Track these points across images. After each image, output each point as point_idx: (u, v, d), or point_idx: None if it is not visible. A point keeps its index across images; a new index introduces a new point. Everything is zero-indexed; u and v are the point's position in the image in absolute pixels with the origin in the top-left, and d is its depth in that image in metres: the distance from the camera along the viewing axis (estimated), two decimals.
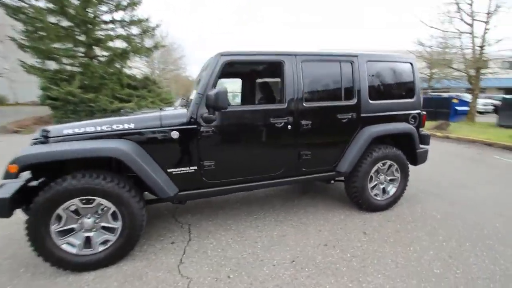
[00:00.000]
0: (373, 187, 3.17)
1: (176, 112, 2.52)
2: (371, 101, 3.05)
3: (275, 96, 3.50)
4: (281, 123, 2.67)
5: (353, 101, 2.97)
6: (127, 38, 13.45)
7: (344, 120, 2.92)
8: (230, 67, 2.71)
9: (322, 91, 2.94)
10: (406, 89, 3.31)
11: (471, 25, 10.73)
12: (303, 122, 2.76)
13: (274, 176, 2.78)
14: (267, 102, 3.50)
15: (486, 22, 10.50)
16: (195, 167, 2.48)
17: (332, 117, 2.90)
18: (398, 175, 3.27)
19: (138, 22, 13.76)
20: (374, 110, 3.07)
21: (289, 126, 2.71)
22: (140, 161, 2.19)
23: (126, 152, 2.14)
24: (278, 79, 3.28)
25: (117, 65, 14.38)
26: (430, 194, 3.80)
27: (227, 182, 2.62)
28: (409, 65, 3.31)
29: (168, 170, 2.41)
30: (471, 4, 10.56)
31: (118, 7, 13.75)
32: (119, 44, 14.27)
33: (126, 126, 2.29)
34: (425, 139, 3.42)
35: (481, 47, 10.73)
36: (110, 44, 13.89)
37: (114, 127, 2.27)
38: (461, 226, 2.91)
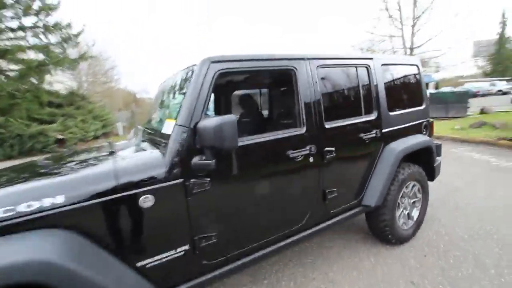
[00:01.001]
0: (399, 216, 2.56)
1: (141, 159, 1.48)
2: (390, 113, 2.43)
3: (283, 116, 2.57)
4: (301, 155, 1.83)
5: (374, 115, 2.30)
6: (44, 48, 10.96)
7: (367, 140, 2.23)
8: (222, 79, 1.77)
9: (341, 105, 2.20)
10: (415, 95, 2.81)
11: (401, 29, 11.56)
12: (327, 149, 1.96)
13: (297, 229, 1.92)
14: (275, 125, 2.55)
15: (413, 26, 11.46)
16: (186, 247, 1.47)
17: (356, 138, 2.18)
18: (420, 195, 2.73)
19: (54, 28, 11.35)
20: (393, 123, 2.46)
21: (310, 158, 1.89)
22: (84, 272, 1.10)
23: (50, 267, 1.03)
24: (281, 91, 2.45)
25: (33, 80, 11.69)
26: (432, 202, 3.40)
27: (236, 256, 1.66)
28: (415, 67, 2.82)
29: (139, 264, 1.36)
30: (399, 10, 11.40)
31: (26, 11, 11.15)
32: (35, 55, 11.61)
33: (48, 202, 1.17)
34: (438, 150, 2.98)
35: (411, 48, 11.66)
36: (23, 55, 11.17)
37: (22, 208, 1.13)
38: (499, 247, 2.48)
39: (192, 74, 1.56)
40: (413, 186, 2.64)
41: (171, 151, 1.41)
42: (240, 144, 1.60)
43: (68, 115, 12.39)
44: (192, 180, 1.45)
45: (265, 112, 3.42)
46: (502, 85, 24.59)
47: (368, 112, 2.29)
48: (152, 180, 1.36)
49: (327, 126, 1.97)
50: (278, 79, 2.60)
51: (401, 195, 2.50)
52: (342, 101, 2.21)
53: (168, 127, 1.54)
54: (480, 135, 7.21)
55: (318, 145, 1.91)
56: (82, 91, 15.05)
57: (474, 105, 13.11)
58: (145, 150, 1.67)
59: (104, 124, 13.66)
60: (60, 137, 11.48)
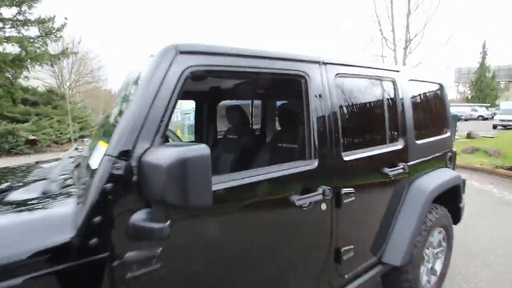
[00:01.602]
0: (422, 272, 1.97)
1: (31, 216, 0.83)
2: (416, 142, 1.88)
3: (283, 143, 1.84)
4: (310, 202, 1.22)
5: (400, 144, 1.74)
6: (20, 41, 10.04)
7: (392, 177, 1.65)
8: (196, 83, 1.17)
9: (363, 130, 1.62)
10: (440, 120, 2.29)
11: (394, 50, 11.42)
12: (345, 191, 1.37)
13: None
14: (272, 154, 1.88)
15: (405, 48, 11.34)
16: None
17: (380, 173, 1.60)
18: (444, 244, 2.16)
19: (36, 21, 10.49)
20: (420, 155, 1.91)
21: (323, 206, 1.28)
22: None
23: None
24: (284, 106, 1.87)
25: (8, 75, 10.70)
26: None
27: None
28: (439, 86, 2.31)
29: None
30: (393, 32, 11.28)
31: (6, 1, 10.26)
32: (11, 48, 10.65)
33: None
34: (463, 186, 2.45)
35: None
36: None
37: None
38: None
39: (146, 70, 0.94)
40: (439, 233, 2.08)
41: (90, 201, 0.77)
42: (219, 187, 0.96)
43: (43, 115, 11.37)
44: (127, 255, 0.80)
45: (259, 132, 2.81)
46: (483, 111, 25.28)
47: (394, 139, 1.72)
48: (45, 257, 0.71)
49: (346, 159, 1.38)
50: (281, 88, 2.02)
51: (426, 245, 1.92)
52: (364, 124, 1.63)
53: (96, 157, 0.89)
54: (474, 161, 6.89)
55: (333, 185, 1.31)
56: (63, 90, 14.03)
57: (460, 129, 13.10)
58: (51, 193, 0.98)
59: (82, 126, 12.66)
60: (32, 137, 10.42)
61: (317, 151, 1.27)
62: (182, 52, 0.93)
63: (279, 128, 1.99)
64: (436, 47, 11.26)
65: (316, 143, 1.26)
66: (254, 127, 3.04)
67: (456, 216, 2.28)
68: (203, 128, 2.71)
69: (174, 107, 0.92)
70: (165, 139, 1.10)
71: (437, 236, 2.06)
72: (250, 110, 3.18)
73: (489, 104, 27.78)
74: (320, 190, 1.23)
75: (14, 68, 10.41)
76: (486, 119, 23.30)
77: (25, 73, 11.21)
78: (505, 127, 16.69)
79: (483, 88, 32.14)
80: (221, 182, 0.98)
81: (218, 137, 2.80)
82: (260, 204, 1.12)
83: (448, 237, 2.17)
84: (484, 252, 2.83)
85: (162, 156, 0.73)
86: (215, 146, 2.59)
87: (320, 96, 1.29)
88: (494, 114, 21.47)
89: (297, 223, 1.23)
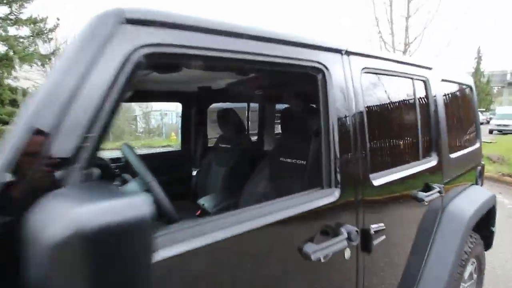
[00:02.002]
0: None
1: None
2: (450, 156, 1.51)
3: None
4: (330, 252, 0.83)
5: (434, 159, 1.37)
6: (5, 40, 9.56)
7: (426, 203, 1.28)
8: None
9: (393, 144, 1.25)
10: (472, 128, 1.93)
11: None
12: (374, 227, 0.99)
13: None
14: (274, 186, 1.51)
15: (404, 52, 11.09)
16: None
17: (412, 199, 1.22)
18: (475, 276, 1.79)
19: (29, 21, 10.03)
20: (454, 171, 1.54)
21: (347, 253, 0.90)
22: None
23: None
24: (290, 111, 1.52)
25: None
26: None
27: None
28: (469, 89, 1.96)
29: None
30: (392, 35, 11.03)
31: None
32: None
33: None
34: None
35: None
36: None
37: None
38: None
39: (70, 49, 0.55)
40: (471, 264, 1.71)
41: None
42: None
43: None
44: None
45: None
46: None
47: (427, 154, 1.35)
48: None
49: (375, 183, 1.00)
50: (287, 85, 1.65)
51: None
52: (394, 136, 1.26)
53: None
54: None
55: (360, 222, 0.93)
56: None
57: None
58: None
59: None
60: None
61: (338, 175, 0.89)
62: (130, 21, 0.55)
63: (282, 139, 1.61)
64: (436, 50, 11.05)
65: (337, 163, 0.89)
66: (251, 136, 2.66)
67: (488, 241, 1.92)
68: (190, 136, 2.32)
69: (115, 112, 0.53)
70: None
71: (469, 268, 1.69)
72: (246, 115, 2.81)
73: (484, 109, 27.77)
74: (344, 233, 0.85)
75: (2, 67, 9.91)
76: (481, 123, 23.20)
77: (14, 73, 10.72)
78: (501, 132, 16.60)
79: (478, 93, 32.13)
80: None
81: (209, 145, 2.42)
82: (257, 258, 0.74)
83: (480, 268, 1.80)
84: (508, 276, 2.47)
85: (55, 217, 0.35)
86: (205, 157, 2.21)
87: (343, 97, 0.92)
88: (490, 119, 21.41)
89: (311, 282, 0.85)
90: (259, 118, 2.82)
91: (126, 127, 14.36)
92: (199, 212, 1.63)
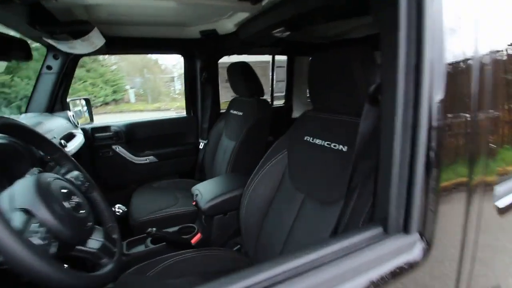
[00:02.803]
0: None
1: None
2: None
3: None
4: None
5: None
6: None
7: None
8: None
9: None
10: None
11: None
12: None
13: None
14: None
15: None
16: None
17: None
18: None
19: None
20: None
21: None
22: None
23: None
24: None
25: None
26: None
27: None
28: None
29: None
30: None
31: None
32: None
33: None
34: None
35: None
36: None
37: None
38: None
39: None
40: None
41: None
42: None
43: (77, 78, 11.32)
44: None
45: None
46: None
47: None
48: None
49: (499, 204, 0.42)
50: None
51: None
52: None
53: None
54: None
55: None
56: None
57: None
58: None
59: (115, 89, 12.54)
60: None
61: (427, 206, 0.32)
62: None
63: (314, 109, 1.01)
64: None
65: (433, 174, 0.31)
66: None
67: None
68: (196, 98, 1.82)
69: None
70: None
71: None
72: (271, 75, 2.18)
73: None
74: None
75: None
76: None
77: None
78: None
79: None
80: None
81: (222, 111, 1.91)
82: None
83: None
84: None
85: None
86: (215, 126, 1.72)
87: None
88: None
89: None
90: (287, 76, 2.19)
91: (163, 88, 14.44)
92: (194, 202, 1.20)
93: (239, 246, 1.16)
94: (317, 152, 0.86)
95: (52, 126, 1.24)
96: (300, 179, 0.91)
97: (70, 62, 1.44)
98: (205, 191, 1.16)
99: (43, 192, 0.51)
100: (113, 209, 1.02)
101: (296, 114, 2.24)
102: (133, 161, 1.68)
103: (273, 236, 0.97)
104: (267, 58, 2.12)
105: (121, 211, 1.02)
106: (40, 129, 1.13)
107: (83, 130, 1.55)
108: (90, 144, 1.57)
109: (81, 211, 0.58)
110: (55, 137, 0.98)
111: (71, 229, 0.52)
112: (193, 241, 1.01)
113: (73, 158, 0.72)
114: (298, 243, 0.87)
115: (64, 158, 0.70)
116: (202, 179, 1.82)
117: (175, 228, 1.25)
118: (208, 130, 1.79)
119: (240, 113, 1.52)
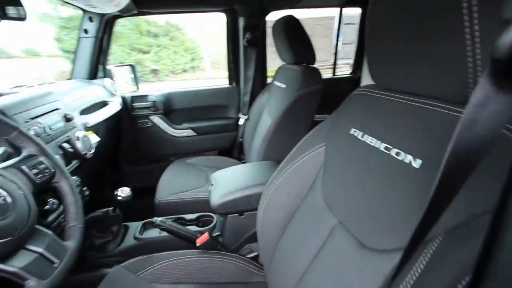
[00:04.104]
0: None
1: None
2: None
3: None
4: None
5: None
6: None
7: None
8: None
9: None
10: None
11: None
12: None
13: None
14: None
15: None
16: None
17: None
18: None
19: None
20: None
21: None
22: None
23: None
24: None
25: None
26: None
27: None
28: None
29: None
30: None
31: None
32: None
33: None
34: None
35: None
36: None
37: None
38: None
39: None
40: None
41: None
42: None
43: (162, 46, 12.37)
44: None
45: None
46: None
47: None
48: None
49: None
50: None
51: None
52: None
53: None
54: None
55: None
56: (176, 22, 14.71)
57: None
58: None
59: (193, 57, 13.28)
60: (154, 67, 11.71)
61: None
62: None
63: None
64: None
65: None
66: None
67: None
68: (238, 65, 1.55)
69: None
70: None
71: None
72: (335, 35, 1.69)
73: None
74: None
75: None
76: None
77: None
78: None
79: None
80: None
81: (268, 82, 1.61)
82: None
83: None
84: None
85: None
86: (258, 100, 1.45)
87: None
88: None
89: None
90: (359, 36, 1.67)
91: None
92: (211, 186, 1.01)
93: (256, 254, 0.93)
94: (366, 159, 0.52)
95: (84, 94, 1.20)
96: (334, 194, 0.59)
97: (106, 25, 1.35)
98: (221, 182, 0.95)
99: None
100: (115, 192, 0.92)
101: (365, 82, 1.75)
102: (171, 133, 1.59)
103: (291, 258, 0.70)
104: (332, 12, 1.64)
105: (123, 195, 0.92)
106: (69, 97, 1.09)
107: (124, 98, 1.51)
108: (130, 113, 1.54)
109: (0, 218, 0.43)
110: (58, 108, 0.90)
111: None
112: (198, 241, 0.84)
113: (36, 138, 0.59)
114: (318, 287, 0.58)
115: (22, 139, 0.57)
116: (241, 159, 1.62)
117: (193, 216, 1.11)
118: (250, 104, 1.53)
119: (283, 85, 1.20)
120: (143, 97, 1.54)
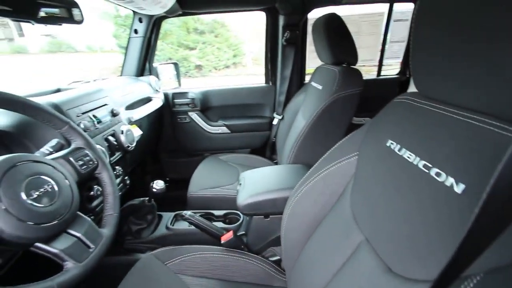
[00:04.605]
0: None
1: None
2: None
3: None
4: None
5: None
6: None
7: None
8: None
9: None
10: None
11: None
12: None
13: None
14: None
15: None
16: None
17: None
18: None
19: None
20: None
21: None
22: None
23: None
24: None
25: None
26: None
27: None
28: None
29: None
30: None
31: None
32: None
33: None
34: None
35: None
36: None
37: None
38: None
39: None
40: None
41: None
42: None
43: (207, 43, 12.82)
44: None
45: None
46: None
47: None
48: None
49: None
50: None
51: None
52: None
53: None
54: None
55: None
56: (222, 18, 15.09)
57: None
58: None
59: (235, 53, 13.53)
60: (198, 63, 12.22)
61: None
62: None
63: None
64: None
65: None
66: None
67: None
68: (276, 64, 1.53)
69: None
70: None
71: None
72: (383, 32, 1.56)
73: None
74: None
75: None
76: None
77: None
78: None
79: None
80: None
81: (306, 82, 1.56)
82: None
83: None
84: None
85: None
86: (293, 100, 1.42)
87: None
88: None
89: None
90: (409, 34, 1.53)
91: None
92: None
93: (278, 258, 0.92)
94: (401, 175, 0.47)
95: (130, 90, 1.30)
96: (362, 209, 0.55)
97: (153, 25, 1.44)
98: (249, 183, 0.95)
99: None
100: (151, 184, 0.99)
101: (414, 90, 1.60)
102: (206, 129, 1.64)
103: (313, 269, 0.68)
104: (380, 8, 1.52)
105: (157, 187, 0.98)
106: (117, 93, 1.19)
107: (166, 94, 1.61)
108: (170, 109, 1.63)
109: (48, 204, 0.49)
110: (106, 104, 0.98)
111: (16, 228, 0.43)
112: (222, 239, 0.86)
113: (83, 133, 0.65)
114: None
115: (72, 133, 0.63)
116: (273, 159, 1.62)
117: (221, 213, 1.14)
118: (285, 104, 1.51)
119: (320, 87, 1.15)
120: (183, 94, 1.61)
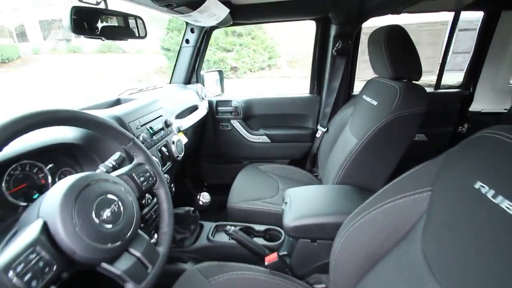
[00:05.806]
0: None
1: None
2: None
3: None
4: None
5: None
6: None
7: None
8: None
9: None
10: None
11: None
12: None
13: None
14: None
15: None
16: None
17: None
18: None
19: None
20: None
21: None
22: None
23: None
24: None
25: None
26: None
27: None
28: None
29: None
30: None
31: None
32: None
33: None
34: None
35: None
36: None
37: None
38: None
39: None
40: None
41: None
42: None
43: (244, 45, 13.01)
44: None
45: None
46: None
47: None
48: None
49: None
50: None
51: None
52: None
53: None
54: None
55: None
56: None
57: None
58: None
59: (270, 56, 13.55)
60: (234, 65, 12.45)
61: None
62: None
63: None
64: None
65: None
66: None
67: None
68: (323, 75, 1.47)
69: None
70: None
71: None
72: (445, 42, 1.42)
73: None
74: None
75: None
76: None
77: None
78: None
79: None
80: None
81: (354, 93, 1.48)
82: None
83: None
84: None
85: None
86: (340, 113, 1.35)
87: None
88: None
89: None
90: (477, 43, 1.38)
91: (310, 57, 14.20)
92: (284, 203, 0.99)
93: (324, 286, 0.87)
94: (499, 228, 0.40)
95: (180, 98, 1.34)
96: (439, 255, 0.48)
97: (204, 35, 1.47)
98: (296, 203, 0.91)
99: (68, 200, 0.45)
100: (197, 197, 1.00)
101: (478, 107, 1.43)
102: (247, 138, 1.64)
103: None
104: (444, 17, 1.38)
105: (204, 200, 0.98)
106: (169, 103, 1.23)
107: (210, 102, 1.63)
108: (214, 116, 1.65)
109: (115, 224, 0.50)
110: (161, 115, 1.01)
111: (86, 251, 0.44)
112: (267, 260, 0.83)
113: (145, 149, 0.67)
114: None
115: (135, 149, 0.65)
116: (313, 172, 1.56)
117: (262, 228, 1.12)
118: (330, 116, 1.44)
119: (375, 102, 1.08)
120: (226, 102, 1.63)
